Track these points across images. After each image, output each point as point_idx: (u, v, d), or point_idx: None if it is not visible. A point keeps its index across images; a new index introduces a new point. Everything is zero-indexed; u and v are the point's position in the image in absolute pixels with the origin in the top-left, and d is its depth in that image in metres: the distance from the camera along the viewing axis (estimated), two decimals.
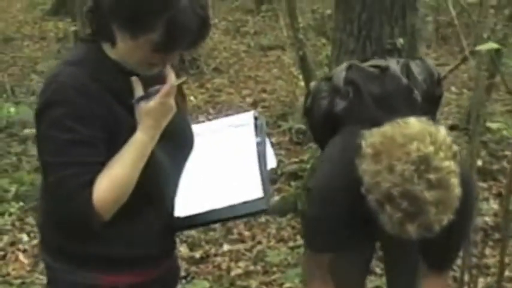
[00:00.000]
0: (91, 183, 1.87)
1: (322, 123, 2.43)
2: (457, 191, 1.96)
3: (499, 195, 5.05)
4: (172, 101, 1.96)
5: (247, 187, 2.03)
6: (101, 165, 1.89)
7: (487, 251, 4.30)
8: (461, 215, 2.06)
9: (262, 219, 5.09)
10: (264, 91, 8.14)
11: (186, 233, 4.71)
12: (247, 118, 2.30)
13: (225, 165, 2.17)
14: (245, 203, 2.01)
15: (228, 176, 2.13)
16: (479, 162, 5.36)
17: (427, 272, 2.38)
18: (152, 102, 1.93)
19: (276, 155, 6.01)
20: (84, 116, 1.87)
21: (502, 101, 6.65)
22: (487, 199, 5.16)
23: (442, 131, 2.01)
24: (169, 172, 2.06)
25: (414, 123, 2.01)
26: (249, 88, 8.31)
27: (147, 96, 1.93)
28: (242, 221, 5.05)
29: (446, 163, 1.94)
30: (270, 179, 2.17)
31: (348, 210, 2.15)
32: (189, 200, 2.09)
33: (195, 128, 2.26)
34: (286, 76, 8.24)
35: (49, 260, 2.13)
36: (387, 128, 2.02)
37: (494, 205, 4.99)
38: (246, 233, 4.92)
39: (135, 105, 1.94)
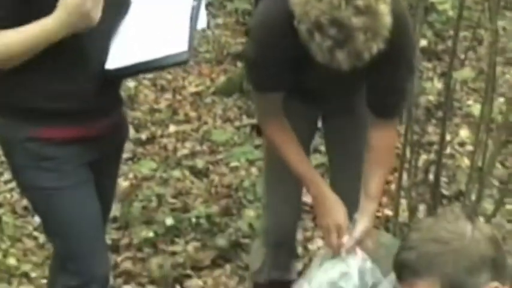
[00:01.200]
0: None
1: None
2: (387, 19, 1.99)
3: (443, 74, 5.10)
4: (88, 6, 2.01)
5: (174, 42, 2.13)
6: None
7: (430, 129, 4.39)
8: (397, 52, 2.14)
9: (208, 99, 5.08)
10: None
11: (132, 114, 4.69)
12: None
13: (157, 24, 2.26)
14: (171, 55, 2.12)
15: (159, 32, 2.22)
16: (425, 42, 5.39)
17: (375, 121, 2.44)
18: None
19: (222, 36, 5.97)
20: None
21: None
22: (431, 79, 5.22)
23: None
24: (97, 27, 2.11)
25: None
26: None
27: None
28: (188, 102, 5.04)
29: None
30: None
31: (285, 47, 2.18)
32: (119, 53, 2.19)
33: None
34: None
35: None
36: None
37: (438, 84, 5.05)
38: (192, 114, 4.91)
39: None
